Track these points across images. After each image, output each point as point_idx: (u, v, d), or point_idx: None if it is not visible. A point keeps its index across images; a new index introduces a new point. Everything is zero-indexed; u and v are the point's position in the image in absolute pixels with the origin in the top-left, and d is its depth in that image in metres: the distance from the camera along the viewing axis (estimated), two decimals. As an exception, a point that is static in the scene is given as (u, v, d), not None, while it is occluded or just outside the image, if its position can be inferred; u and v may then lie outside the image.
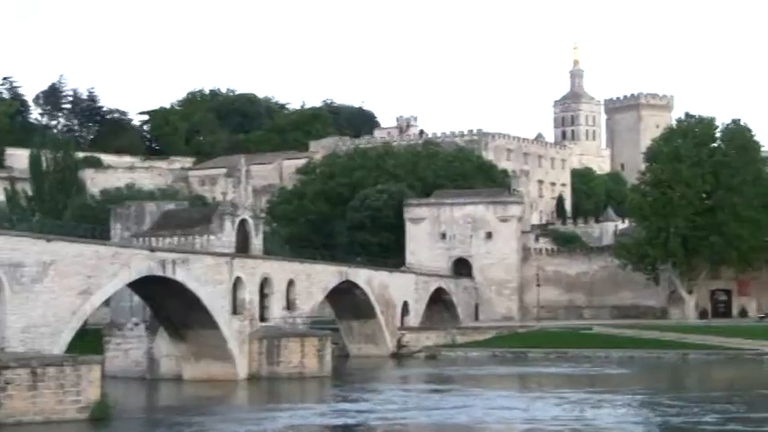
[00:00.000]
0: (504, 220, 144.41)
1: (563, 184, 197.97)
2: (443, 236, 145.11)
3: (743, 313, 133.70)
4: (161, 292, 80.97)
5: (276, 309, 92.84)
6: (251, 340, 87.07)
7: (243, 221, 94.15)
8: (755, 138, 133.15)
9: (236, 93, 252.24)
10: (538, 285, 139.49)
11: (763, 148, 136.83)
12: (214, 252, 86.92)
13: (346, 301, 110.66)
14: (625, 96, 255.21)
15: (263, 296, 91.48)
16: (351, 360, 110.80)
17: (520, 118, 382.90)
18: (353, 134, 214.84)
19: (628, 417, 62.41)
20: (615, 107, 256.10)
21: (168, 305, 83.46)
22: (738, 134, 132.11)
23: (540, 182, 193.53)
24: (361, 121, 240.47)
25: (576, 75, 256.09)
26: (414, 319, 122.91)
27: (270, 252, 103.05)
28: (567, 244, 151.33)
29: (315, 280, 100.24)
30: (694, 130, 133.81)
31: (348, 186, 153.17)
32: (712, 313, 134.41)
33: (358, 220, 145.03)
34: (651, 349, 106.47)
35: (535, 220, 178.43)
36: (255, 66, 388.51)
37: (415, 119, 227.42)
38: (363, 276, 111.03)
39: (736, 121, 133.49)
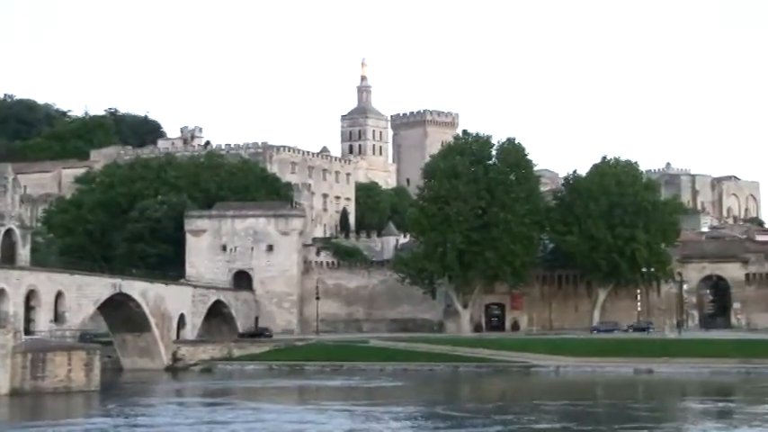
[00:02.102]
0: (285, 233, 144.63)
1: (347, 198, 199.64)
2: (224, 248, 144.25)
3: (515, 327, 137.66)
4: None
5: (43, 321, 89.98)
6: (14, 354, 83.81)
7: (9, 231, 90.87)
8: (528, 156, 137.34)
9: (15, 98, 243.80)
10: (317, 298, 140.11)
11: (535, 167, 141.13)
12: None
13: (120, 313, 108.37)
14: (411, 113, 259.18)
15: (28, 308, 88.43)
16: (124, 374, 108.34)
17: (307, 132, 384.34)
18: (137, 144, 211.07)
19: (417, 429, 63.20)
20: (402, 123, 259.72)
21: None
22: (512, 152, 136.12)
23: (325, 195, 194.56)
24: (145, 130, 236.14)
25: (363, 90, 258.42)
26: (191, 332, 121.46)
27: (42, 263, 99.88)
28: (348, 258, 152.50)
29: (86, 292, 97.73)
30: (471, 148, 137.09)
31: (128, 197, 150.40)
32: (486, 327, 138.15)
33: (137, 232, 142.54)
34: (424, 362, 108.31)
35: (319, 233, 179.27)
36: (36, 71, 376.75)
37: (201, 130, 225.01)
38: (138, 288, 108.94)
39: (510, 140, 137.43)
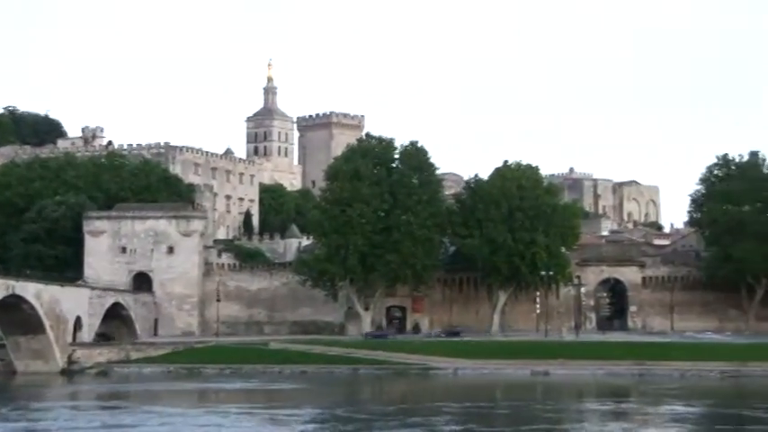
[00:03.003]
0: (186, 234, 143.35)
1: (251, 200, 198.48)
2: (124, 250, 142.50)
3: (416, 329, 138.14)
4: None
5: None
6: None
7: None
8: (431, 159, 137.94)
9: None
10: (218, 300, 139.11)
11: (438, 170, 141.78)
12: None
13: (13, 315, 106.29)
14: (317, 115, 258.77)
15: None
16: (17, 377, 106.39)
17: (212, 133, 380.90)
18: (37, 143, 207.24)
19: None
20: (308, 125, 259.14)
21: None
22: (415, 155, 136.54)
23: (229, 197, 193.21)
24: (45, 129, 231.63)
25: (269, 91, 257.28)
26: (87, 334, 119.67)
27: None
28: (250, 260, 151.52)
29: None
30: (374, 150, 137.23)
31: (25, 197, 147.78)
32: (377, 330, 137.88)
33: (34, 232, 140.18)
34: (323, 364, 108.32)
35: (222, 235, 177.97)
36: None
37: (102, 130, 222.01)
38: (32, 290, 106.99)
39: (413, 143, 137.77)
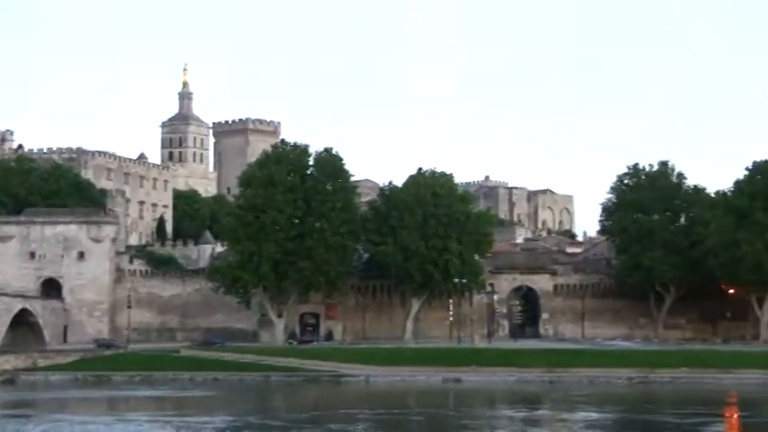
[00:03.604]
0: (97, 240, 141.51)
1: (165, 206, 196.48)
2: (33, 255, 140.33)
3: (329, 336, 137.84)
4: None
5: None
6: None
7: None
8: (346, 166, 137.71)
9: None
10: (129, 307, 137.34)
11: (353, 177, 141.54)
12: None
13: None
14: (233, 120, 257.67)
15: None
16: None
17: (126, 138, 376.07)
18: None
19: None
20: (224, 131, 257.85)
21: None
22: (330, 162, 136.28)
23: (142, 203, 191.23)
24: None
25: (185, 96, 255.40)
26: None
27: None
28: (162, 266, 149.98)
29: None
30: (289, 157, 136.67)
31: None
32: (301, 336, 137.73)
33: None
34: (235, 371, 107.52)
35: (135, 241, 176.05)
36: None
37: (12, 133, 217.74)
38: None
39: (328, 150, 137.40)
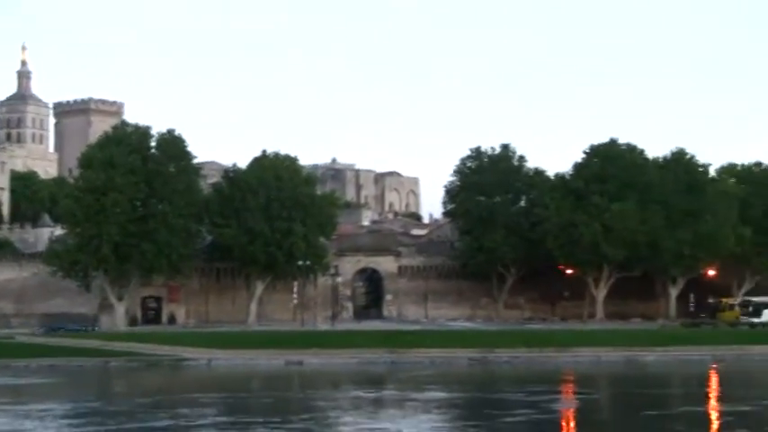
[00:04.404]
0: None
1: (1, 188, 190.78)
2: None
3: (171, 319, 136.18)
4: None
5: None
6: None
7: None
8: (188, 148, 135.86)
9: None
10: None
11: (195, 159, 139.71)
12: None
13: None
14: (75, 101, 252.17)
15: None
16: None
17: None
18: None
19: (83, 427, 60.57)
20: (65, 111, 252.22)
21: None
22: (172, 144, 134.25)
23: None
24: None
25: (23, 75, 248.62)
26: None
27: None
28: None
29: None
30: (131, 138, 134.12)
31: None
32: (143, 320, 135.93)
33: None
34: (73, 357, 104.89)
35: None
36: None
37: None
38: None
39: (170, 131, 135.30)
